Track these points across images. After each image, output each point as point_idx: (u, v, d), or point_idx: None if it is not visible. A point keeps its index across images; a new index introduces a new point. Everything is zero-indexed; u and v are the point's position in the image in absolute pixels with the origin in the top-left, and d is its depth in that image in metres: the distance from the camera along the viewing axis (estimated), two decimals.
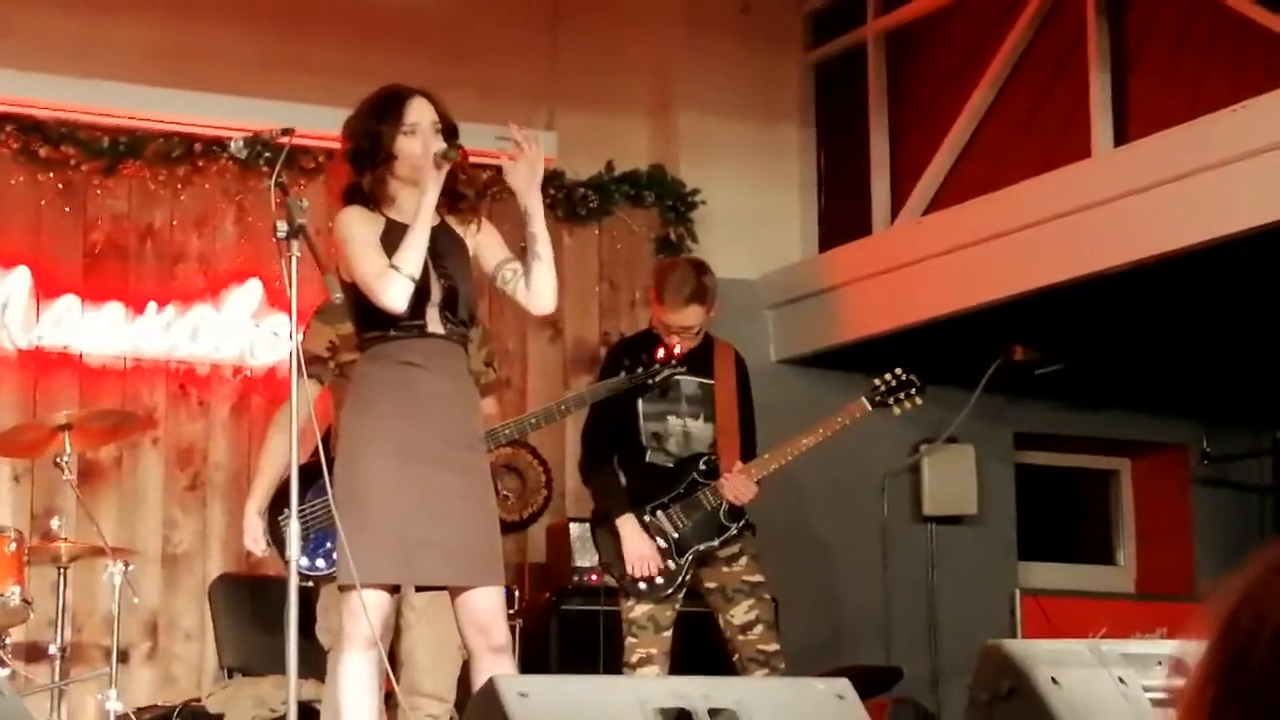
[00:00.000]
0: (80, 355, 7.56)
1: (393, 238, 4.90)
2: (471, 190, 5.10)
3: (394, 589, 4.98)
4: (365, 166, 4.96)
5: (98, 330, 7.57)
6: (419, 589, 5.14)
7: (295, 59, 7.98)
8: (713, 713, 3.86)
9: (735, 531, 6.38)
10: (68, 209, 7.61)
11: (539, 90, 8.42)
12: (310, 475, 5.12)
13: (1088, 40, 7.43)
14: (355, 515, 4.81)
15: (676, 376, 6.34)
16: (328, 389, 5.92)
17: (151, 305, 7.66)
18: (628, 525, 6.33)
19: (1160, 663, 4.37)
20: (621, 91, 8.77)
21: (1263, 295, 7.53)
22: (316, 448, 5.22)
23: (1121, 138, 7.30)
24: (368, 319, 4.95)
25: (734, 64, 8.78)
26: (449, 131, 4.99)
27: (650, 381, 6.15)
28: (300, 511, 4.85)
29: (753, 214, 8.59)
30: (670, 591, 6.34)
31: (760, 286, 8.52)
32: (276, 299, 7.65)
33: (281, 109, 7.16)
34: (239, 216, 7.84)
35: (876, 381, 6.56)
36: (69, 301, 7.54)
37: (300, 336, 5.06)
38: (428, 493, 4.84)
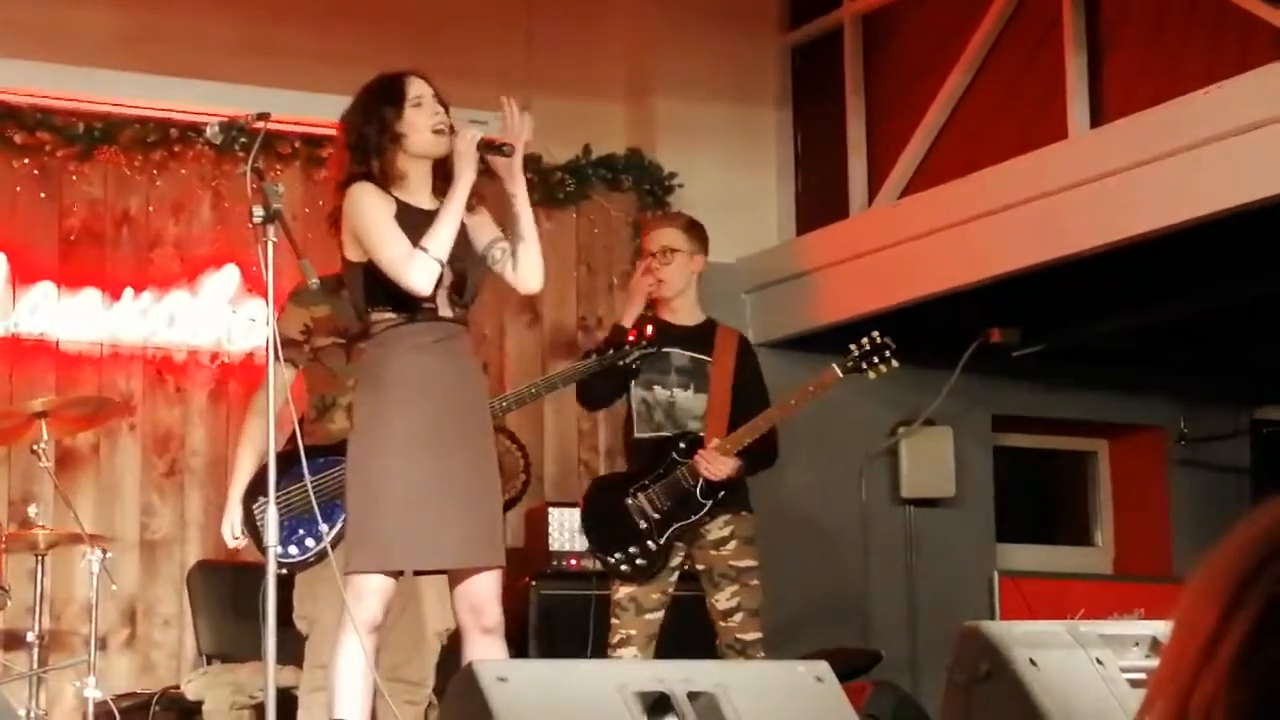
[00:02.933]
0: (57, 342, 7.54)
1: (404, 219, 4.92)
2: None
3: (398, 574, 4.99)
4: (373, 151, 4.97)
5: (74, 317, 7.55)
6: (423, 570, 5.16)
7: (270, 44, 7.96)
8: (692, 696, 3.86)
9: (708, 507, 6.36)
10: (43, 195, 7.59)
11: (515, 74, 8.39)
12: (286, 462, 5.12)
13: (1063, 21, 7.43)
14: (367, 500, 4.85)
15: (666, 349, 6.39)
16: (302, 373, 5.91)
17: (128, 291, 7.64)
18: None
19: (1138, 644, 4.38)
20: (598, 75, 8.75)
21: (1239, 276, 7.54)
22: (293, 433, 5.22)
23: (1098, 119, 7.30)
24: (379, 302, 4.96)
25: (711, 47, 8.77)
26: (446, 107, 5.05)
27: (621, 363, 6.16)
28: (275, 498, 4.84)
29: (730, 197, 8.58)
30: (654, 573, 6.34)
31: (738, 270, 8.52)
32: (253, 284, 7.64)
33: (257, 94, 7.15)
34: (215, 202, 7.82)
35: (851, 347, 6.53)
36: (45, 288, 7.52)
37: (275, 321, 5.05)
38: (442, 479, 4.87)
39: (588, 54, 8.73)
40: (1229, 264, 7.37)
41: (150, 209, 7.76)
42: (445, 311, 4.99)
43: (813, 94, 8.91)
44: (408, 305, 4.93)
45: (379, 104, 5.01)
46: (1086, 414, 9.49)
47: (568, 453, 8.35)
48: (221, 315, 7.73)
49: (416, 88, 5.03)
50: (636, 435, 6.52)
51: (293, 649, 5.70)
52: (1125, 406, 9.49)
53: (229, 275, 7.75)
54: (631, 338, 6.21)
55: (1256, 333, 8.39)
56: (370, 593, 4.85)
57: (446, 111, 5.05)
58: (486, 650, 4.89)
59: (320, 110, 7.82)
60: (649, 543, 6.34)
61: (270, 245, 4.78)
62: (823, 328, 8.24)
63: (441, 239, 4.86)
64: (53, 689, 7.01)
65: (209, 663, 6.86)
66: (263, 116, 4.97)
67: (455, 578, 4.97)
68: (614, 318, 8.31)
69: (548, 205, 8.39)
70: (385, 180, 4.97)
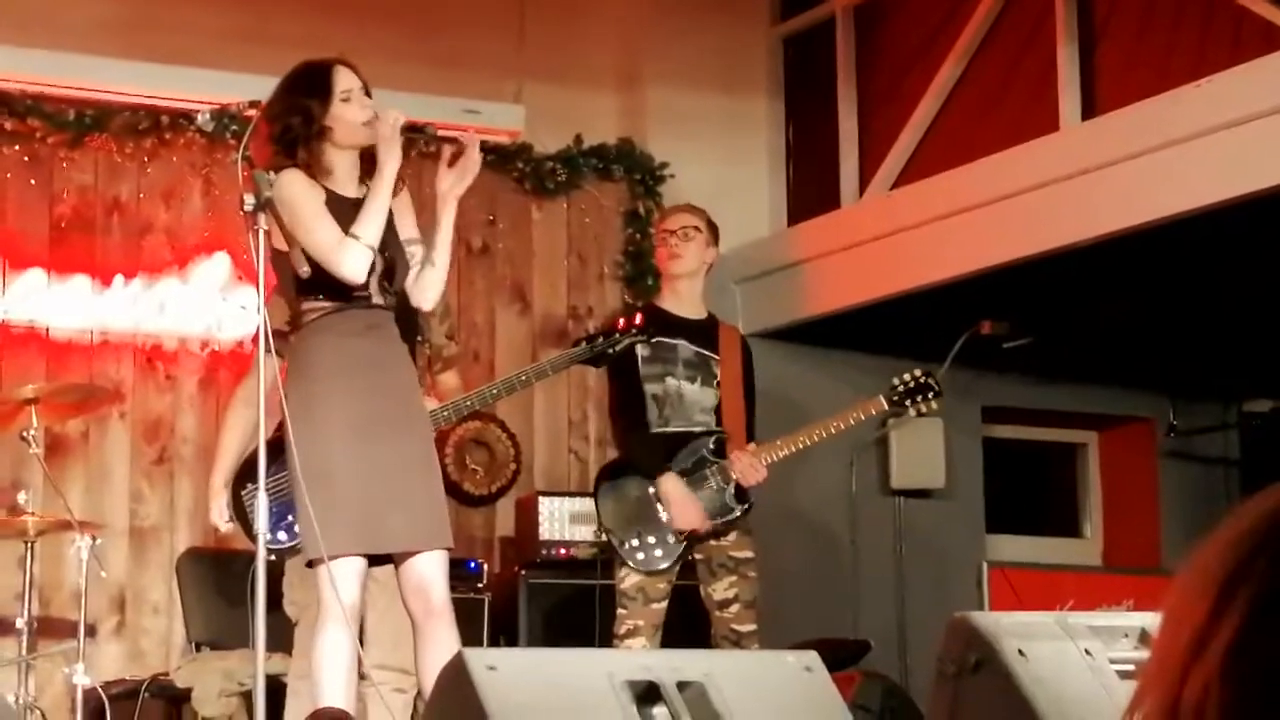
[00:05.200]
0: (47, 329, 7.53)
1: (334, 208, 4.89)
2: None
3: (369, 558, 4.98)
4: (298, 143, 4.92)
5: (64, 304, 7.54)
6: (374, 560, 5.15)
7: (262, 32, 7.94)
8: (681, 685, 3.87)
9: (739, 514, 6.40)
10: (33, 182, 7.58)
11: (506, 63, 8.40)
12: (273, 449, 5.12)
13: (1055, 14, 7.44)
14: (316, 489, 4.80)
15: (673, 341, 6.42)
16: (287, 363, 5.91)
17: (119, 279, 7.63)
18: (668, 482, 6.35)
19: (1127, 635, 4.39)
20: (589, 64, 8.75)
21: (1229, 269, 7.55)
22: (281, 421, 5.22)
23: (1089, 112, 7.31)
24: (310, 290, 4.93)
25: (702, 37, 8.77)
26: (369, 97, 5.00)
27: (611, 350, 6.16)
28: (265, 485, 4.83)
29: (721, 188, 8.58)
30: (669, 564, 6.35)
31: (728, 260, 8.48)
32: (244, 272, 7.63)
33: (248, 82, 7.12)
34: (206, 190, 7.81)
35: (895, 381, 6.65)
36: (35, 275, 7.51)
37: (264, 310, 5.05)
38: (382, 461, 4.87)
39: (580, 44, 8.72)
40: (1219, 257, 7.38)
41: (141, 196, 7.75)
42: (377, 299, 4.97)
43: (804, 85, 8.91)
44: (339, 293, 4.90)
45: (305, 97, 4.96)
46: (1076, 406, 9.50)
47: (558, 442, 8.36)
48: (212, 303, 7.73)
49: (345, 80, 4.97)
50: (654, 431, 6.48)
51: (282, 636, 5.70)
52: (1115, 399, 9.51)
53: (219, 263, 7.75)
54: (622, 325, 6.21)
55: (1246, 325, 8.40)
56: (347, 576, 4.83)
57: (370, 97, 4.99)
58: (437, 635, 4.88)
59: None
60: (670, 535, 6.35)
61: (261, 233, 4.79)
62: (813, 318, 8.25)
63: (371, 225, 4.84)
64: (42, 676, 7.00)
65: (198, 650, 6.86)
66: (254, 105, 4.97)
67: (400, 561, 4.95)
68: (604, 307, 8.34)
69: (538, 195, 8.39)
70: (313, 172, 4.94)
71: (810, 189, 8.77)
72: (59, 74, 7.60)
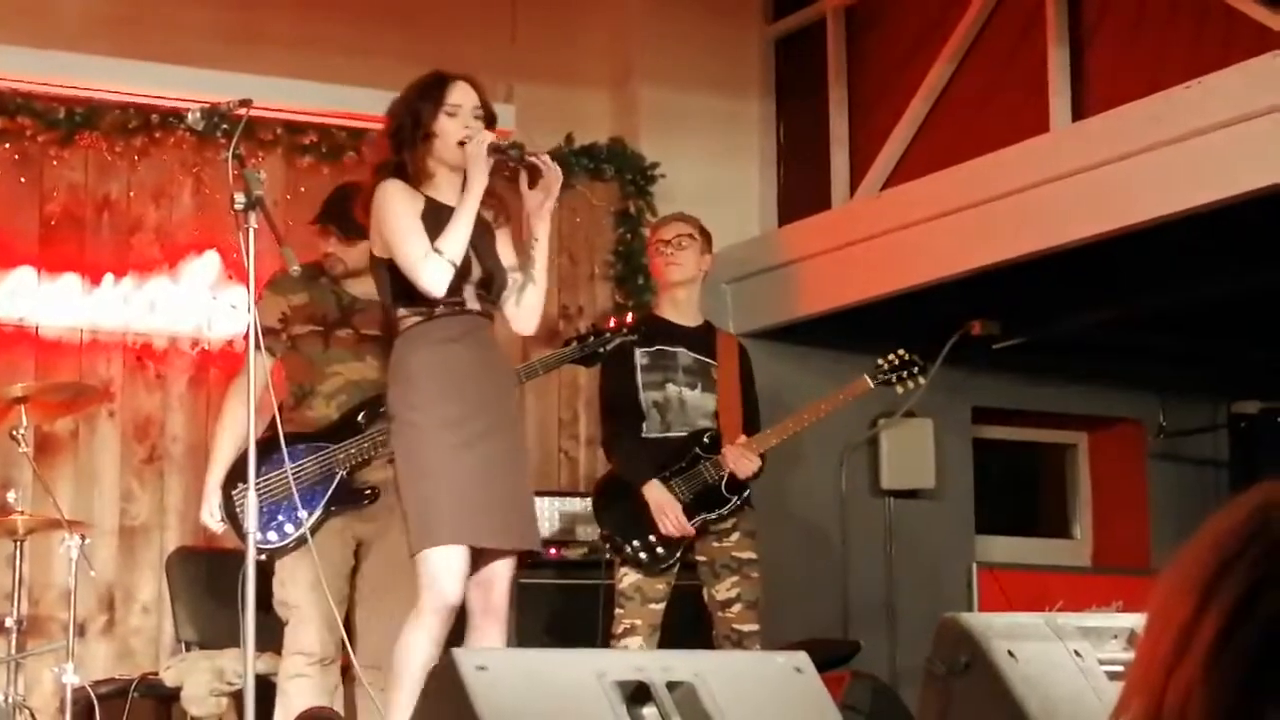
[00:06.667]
0: (36, 327, 7.52)
1: (433, 216, 5.03)
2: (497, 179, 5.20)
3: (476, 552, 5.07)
4: (405, 145, 5.09)
5: (54, 302, 7.53)
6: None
7: (253, 30, 7.94)
8: (671, 686, 3.87)
9: (736, 504, 6.45)
10: (23, 180, 7.56)
11: (497, 62, 8.39)
12: (266, 449, 5.13)
13: (1046, 15, 7.44)
14: (424, 482, 4.97)
15: (673, 349, 6.46)
16: (280, 361, 5.91)
17: (108, 277, 7.62)
18: (654, 490, 6.40)
19: (1116, 636, 4.39)
20: (581, 64, 8.75)
21: (1218, 271, 7.55)
22: (273, 420, 5.23)
23: (1080, 113, 7.31)
24: (408, 297, 5.07)
25: (694, 37, 8.77)
26: (489, 119, 5.17)
27: (601, 350, 6.19)
28: (256, 485, 4.83)
29: (712, 188, 8.58)
30: (669, 563, 6.38)
31: (719, 260, 8.47)
32: (234, 270, 7.63)
33: (239, 81, 7.14)
34: (196, 188, 7.80)
35: (880, 360, 6.76)
36: (25, 273, 7.50)
37: (255, 309, 5.06)
38: (481, 462, 5.00)
39: (571, 43, 8.72)
40: (1209, 258, 7.38)
41: (131, 195, 7.74)
42: (473, 305, 5.12)
43: (796, 85, 8.91)
44: (437, 301, 5.04)
45: (418, 101, 5.13)
46: (1066, 407, 9.51)
47: (548, 441, 8.35)
48: (202, 302, 7.72)
49: (458, 95, 5.12)
50: (650, 435, 6.53)
51: (272, 636, 5.69)
52: (1104, 399, 9.51)
53: (210, 262, 7.74)
54: (613, 324, 6.25)
55: (1235, 326, 8.41)
56: (450, 569, 4.94)
57: (494, 120, 5.18)
58: (488, 632, 5.07)
59: (302, 97, 7.83)
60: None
61: (251, 232, 4.79)
62: (804, 319, 8.25)
63: (454, 241, 4.98)
64: (31, 675, 7.00)
65: (188, 649, 6.85)
66: (245, 103, 4.98)
67: (475, 559, 5.05)
68: (595, 307, 8.34)
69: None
70: (415, 176, 5.08)
71: (801, 189, 8.77)
72: (49, 72, 7.59)
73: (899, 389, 6.82)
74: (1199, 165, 6.49)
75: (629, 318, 6.32)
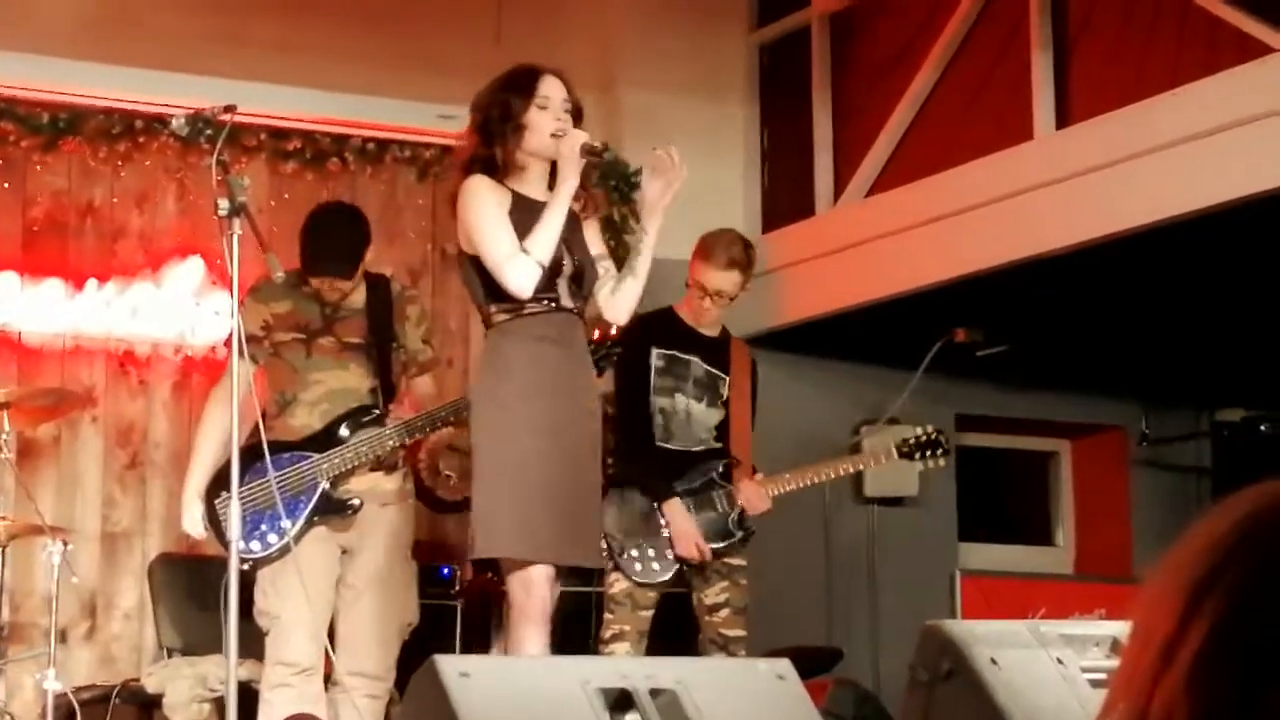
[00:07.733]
0: (19, 333, 7.51)
1: (519, 212, 4.98)
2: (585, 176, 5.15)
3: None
4: (495, 137, 5.04)
5: (37, 308, 7.51)
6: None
7: (237, 36, 7.93)
8: (654, 693, 3.87)
9: (738, 539, 6.45)
10: (7, 185, 7.55)
11: (482, 67, 8.33)
12: (248, 457, 5.11)
13: (1030, 22, 7.45)
14: (508, 486, 4.90)
15: (687, 358, 6.43)
16: (262, 368, 5.89)
17: (91, 283, 7.61)
18: (675, 511, 6.38)
19: (1098, 644, 4.40)
20: (565, 69, 8.71)
21: (1202, 278, 7.57)
22: (255, 427, 5.21)
23: (1064, 120, 7.31)
24: (498, 295, 5.00)
25: (679, 43, 8.76)
26: (577, 113, 5.15)
27: (599, 363, 6.15)
28: (239, 493, 4.82)
29: (696, 193, 8.52)
30: (664, 579, 6.38)
31: None
32: (218, 277, 7.61)
33: (223, 86, 7.13)
34: (180, 194, 7.79)
35: (907, 435, 6.93)
36: (8, 279, 7.48)
37: (238, 315, 5.05)
38: (571, 469, 4.97)
39: (556, 48, 8.66)
40: (1191, 266, 7.39)
41: (114, 200, 7.73)
42: (566, 301, 5.07)
43: (780, 91, 8.91)
44: (531, 297, 4.98)
45: (508, 93, 5.09)
46: (1049, 414, 9.52)
47: None
48: (185, 308, 7.71)
49: (548, 88, 5.11)
50: (659, 446, 6.49)
51: (253, 643, 5.68)
52: (1087, 407, 9.53)
53: (193, 268, 7.73)
54: (596, 338, 6.21)
55: (1219, 335, 8.42)
56: (537, 582, 4.92)
57: (581, 114, 5.15)
58: (525, 634, 4.93)
59: (287, 103, 7.82)
60: (669, 551, 6.37)
61: (235, 238, 4.78)
62: (787, 325, 8.25)
63: (543, 241, 4.93)
64: (12, 681, 6.98)
65: (169, 655, 6.84)
66: (229, 109, 4.97)
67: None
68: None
69: None
70: (504, 169, 5.04)
71: (785, 196, 8.76)
72: (32, 77, 7.57)
73: (919, 465, 6.98)
74: (1183, 172, 6.50)
75: (612, 330, 6.27)
